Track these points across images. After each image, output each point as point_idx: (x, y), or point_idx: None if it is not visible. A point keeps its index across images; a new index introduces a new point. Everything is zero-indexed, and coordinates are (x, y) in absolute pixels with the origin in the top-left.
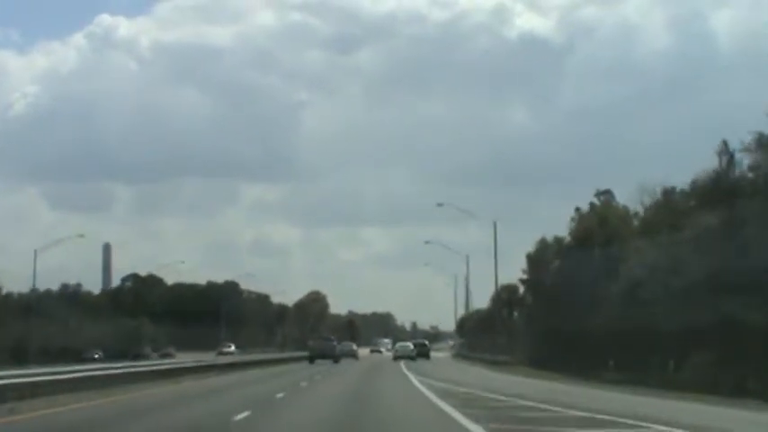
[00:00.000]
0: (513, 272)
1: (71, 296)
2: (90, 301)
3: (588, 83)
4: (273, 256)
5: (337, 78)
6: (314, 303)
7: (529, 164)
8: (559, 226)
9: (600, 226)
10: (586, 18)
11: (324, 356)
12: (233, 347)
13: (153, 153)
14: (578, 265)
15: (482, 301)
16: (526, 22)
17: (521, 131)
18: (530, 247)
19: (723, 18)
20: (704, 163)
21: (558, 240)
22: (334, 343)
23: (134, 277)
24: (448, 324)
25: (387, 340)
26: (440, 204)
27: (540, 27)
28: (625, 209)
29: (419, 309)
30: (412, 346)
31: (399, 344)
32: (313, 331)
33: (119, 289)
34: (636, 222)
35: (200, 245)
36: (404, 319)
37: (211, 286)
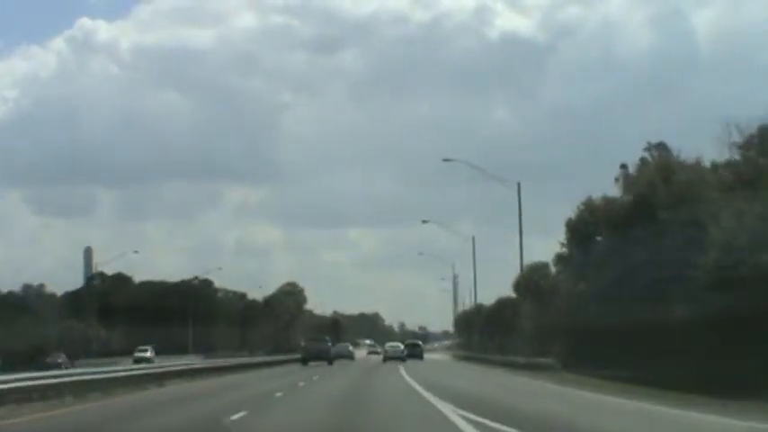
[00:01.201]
0: (505, 276)
1: (34, 297)
2: (54, 302)
3: (570, 82)
4: (257, 257)
5: (320, 79)
6: (287, 297)
7: (512, 163)
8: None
9: (665, 183)
10: (568, 18)
11: (318, 358)
12: (149, 352)
13: (135, 156)
14: (643, 235)
15: (485, 296)
16: (508, 21)
17: (504, 131)
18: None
19: (704, 17)
20: None
21: (607, 202)
22: (329, 344)
23: (100, 276)
24: (438, 325)
25: (368, 341)
26: (446, 160)
27: (522, 27)
28: (697, 162)
29: (407, 310)
30: (402, 347)
31: (389, 344)
32: (287, 328)
33: (83, 289)
34: (715, 178)
35: (184, 247)
36: (392, 320)
37: (182, 284)
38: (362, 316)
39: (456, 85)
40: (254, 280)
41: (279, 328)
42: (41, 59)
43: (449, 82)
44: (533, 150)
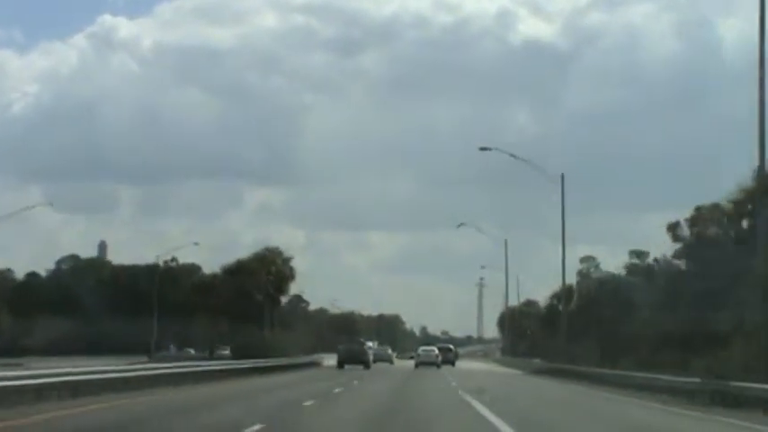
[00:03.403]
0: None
1: None
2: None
3: (592, 88)
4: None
5: (341, 81)
6: (257, 264)
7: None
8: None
9: None
10: (591, 24)
11: (353, 361)
12: None
13: (156, 154)
14: None
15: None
16: (531, 27)
17: (524, 136)
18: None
19: (730, 25)
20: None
21: None
22: (366, 347)
23: (72, 259)
24: (461, 330)
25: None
26: (483, 149)
27: (545, 33)
28: None
29: (428, 314)
30: (437, 352)
31: (422, 348)
32: (268, 318)
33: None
34: None
35: (203, 247)
36: (412, 323)
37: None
38: (381, 318)
39: (477, 90)
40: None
41: (248, 316)
42: (63, 55)
43: (470, 86)
44: (554, 156)
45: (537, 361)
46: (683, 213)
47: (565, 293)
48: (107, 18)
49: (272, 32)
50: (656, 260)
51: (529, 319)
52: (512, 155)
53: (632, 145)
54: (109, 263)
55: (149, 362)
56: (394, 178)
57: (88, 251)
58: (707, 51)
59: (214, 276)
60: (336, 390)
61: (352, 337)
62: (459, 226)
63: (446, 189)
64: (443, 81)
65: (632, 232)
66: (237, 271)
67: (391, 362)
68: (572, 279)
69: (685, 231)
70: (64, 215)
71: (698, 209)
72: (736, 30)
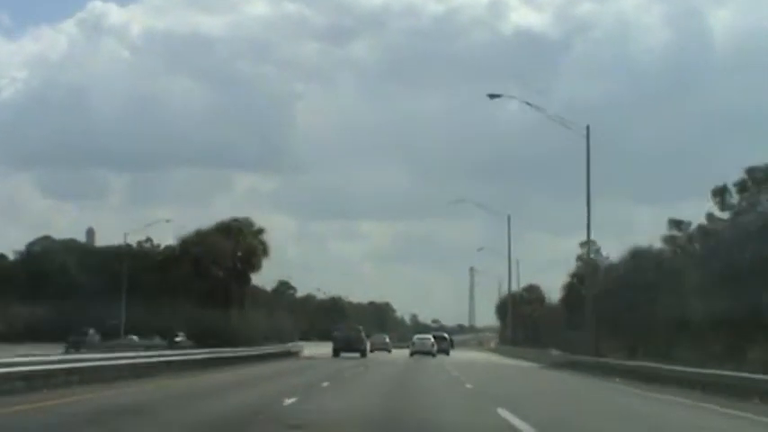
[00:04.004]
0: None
1: None
2: None
3: (583, 79)
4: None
5: (332, 70)
6: (220, 235)
7: (523, 159)
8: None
9: None
10: (583, 14)
11: (350, 349)
12: None
13: (145, 141)
14: None
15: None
16: (522, 16)
17: (515, 126)
18: None
19: (721, 16)
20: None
21: None
22: (362, 334)
23: (45, 241)
24: (451, 319)
25: (385, 336)
26: (493, 96)
27: (536, 22)
28: None
29: (418, 303)
30: (432, 340)
31: (417, 336)
32: (238, 303)
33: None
34: None
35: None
36: (403, 311)
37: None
38: (372, 305)
39: (468, 79)
40: (262, 271)
41: (213, 297)
42: (52, 41)
43: (461, 76)
44: (544, 146)
45: (555, 352)
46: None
47: (590, 270)
48: (97, 4)
49: (262, 20)
50: (704, 231)
51: (531, 305)
52: (527, 103)
53: (623, 135)
54: (82, 244)
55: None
56: (385, 167)
57: (79, 238)
58: (697, 42)
59: (172, 251)
60: (288, 401)
61: (350, 324)
62: (456, 202)
63: (437, 178)
64: (434, 70)
65: (626, 223)
66: (195, 243)
67: (389, 350)
68: (571, 266)
69: (734, 198)
70: (52, 201)
71: (750, 170)
72: (727, 21)
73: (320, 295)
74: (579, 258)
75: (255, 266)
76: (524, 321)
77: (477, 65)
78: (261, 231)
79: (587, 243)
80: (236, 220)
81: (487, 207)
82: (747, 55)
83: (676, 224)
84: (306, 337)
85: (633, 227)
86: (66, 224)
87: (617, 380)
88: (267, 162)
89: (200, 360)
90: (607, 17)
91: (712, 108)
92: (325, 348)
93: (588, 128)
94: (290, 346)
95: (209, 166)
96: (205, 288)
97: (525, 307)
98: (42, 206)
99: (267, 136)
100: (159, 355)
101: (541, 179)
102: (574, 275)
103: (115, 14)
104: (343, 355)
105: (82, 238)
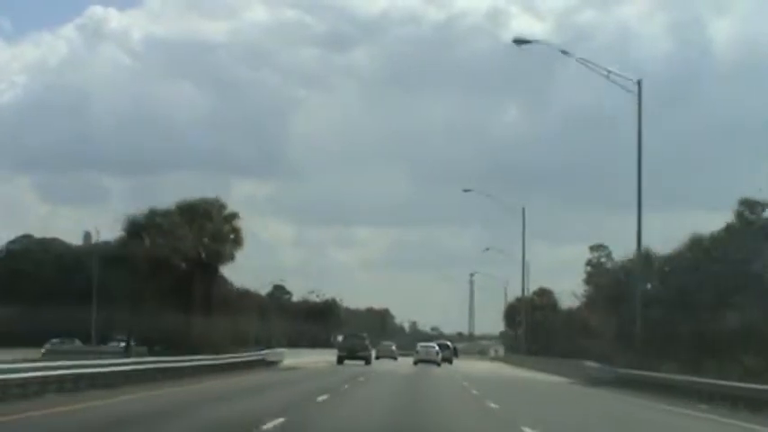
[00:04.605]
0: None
1: None
2: None
3: (584, 87)
4: (263, 252)
5: (332, 77)
6: (180, 219)
7: (522, 167)
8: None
9: None
10: (584, 22)
11: (354, 356)
12: None
13: (144, 146)
14: None
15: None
16: (523, 24)
17: (515, 134)
18: None
19: (723, 25)
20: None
21: None
22: (367, 341)
23: (24, 240)
24: (450, 327)
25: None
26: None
27: (537, 30)
28: None
29: (417, 311)
30: (437, 348)
31: (421, 345)
32: (206, 299)
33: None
34: None
35: None
36: (402, 319)
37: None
38: (371, 311)
39: (468, 87)
40: (258, 275)
41: (175, 295)
42: (52, 46)
43: (461, 83)
44: (544, 154)
45: (592, 364)
46: None
47: (642, 262)
48: (97, 9)
49: (262, 26)
50: None
51: (543, 310)
52: (563, 51)
53: (622, 144)
54: (63, 243)
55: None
56: (384, 173)
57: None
58: (699, 51)
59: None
60: None
61: (354, 332)
62: (465, 191)
63: (435, 185)
64: (434, 77)
65: (624, 232)
66: (146, 227)
67: (395, 358)
68: (579, 273)
69: None
70: (51, 206)
71: None
72: (729, 30)
73: (313, 298)
74: (589, 263)
75: (225, 257)
76: (536, 328)
77: (478, 72)
78: (234, 216)
79: (638, 221)
80: (204, 200)
81: (498, 199)
82: (748, 64)
83: (749, 205)
84: (295, 343)
85: (632, 234)
86: (65, 229)
87: (702, 407)
88: (265, 167)
89: (126, 372)
90: (609, 26)
91: (713, 117)
92: (317, 356)
93: (640, 83)
94: (267, 353)
95: (209, 170)
96: (165, 284)
97: (537, 313)
98: (42, 211)
99: (266, 141)
100: (77, 366)
101: (539, 188)
102: (620, 270)
103: (115, 20)
104: (347, 362)
105: (79, 242)
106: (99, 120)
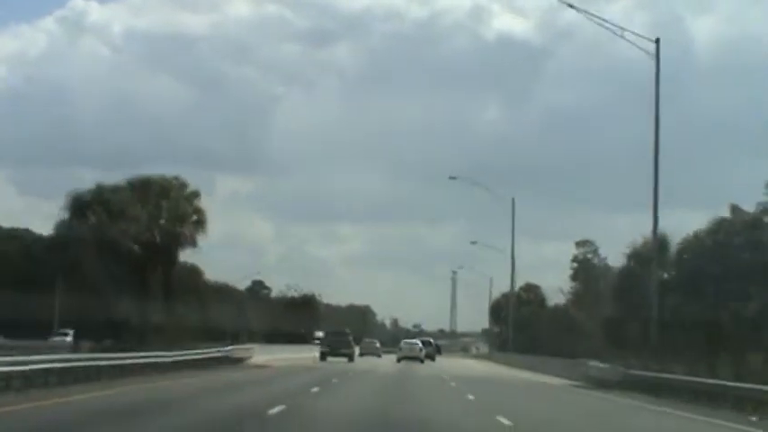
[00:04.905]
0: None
1: None
2: None
3: (565, 86)
4: (244, 249)
5: (313, 72)
6: (132, 197)
7: (504, 165)
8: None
9: None
10: (566, 21)
11: (337, 353)
12: None
13: (124, 140)
14: None
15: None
16: (505, 22)
17: (496, 132)
18: None
19: (704, 24)
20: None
21: None
22: (350, 338)
23: None
24: (432, 323)
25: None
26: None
27: (519, 28)
28: None
29: (398, 308)
30: (420, 345)
31: (405, 341)
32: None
33: None
34: None
35: None
36: (384, 315)
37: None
38: (352, 308)
39: (449, 84)
40: (239, 271)
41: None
42: (31, 38)
43: (442, 81)
44: (525, 153)
45: (598, 364)
46: None
47: (658, 248)
48: (78, 2)
49: (244, 21)
50: None
51: (530, 306)
52: (570, 5)
53: (605, 143)
54: (30, 232)
55: None
56: (365, 170)
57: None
58: (681, 50)
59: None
60: None
61: (337, 328)
62: (451, 178)
63: (417, 182)
64: (416, 75)
65: (606, 230)
66: (91, 205)
67: (379, 355)
68: (565, 270)
69: None
70: (30, 199)
71: None
72: (710, 28)
73: (291, 293)
74: (575, 259)
75: (185, 241)
76: (523, 324)
77: (459, 70)
78: (196, 195)
79: (654, 201)
80: (162, 176)
81: (486, 188)
82: (729, 63)
83: None
84: (272, 339)
85: (614, 234)
86: (43, 222)
87: (754, 419)
88: (246, 164)
89: (56, 370)
90: (590, 25)
91: (692, 115)
92: (290, 353)
93: (658, 41)
94: (231, 349)
95: (192, 166)
96: (114, 269)
97: (523, 308)
98: (19, 204)
99: (247, 137)
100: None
101: (521, 185)
102: (632, 256)
103: (96, 12)
104: (330, 359)
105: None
106: (79, 113)
